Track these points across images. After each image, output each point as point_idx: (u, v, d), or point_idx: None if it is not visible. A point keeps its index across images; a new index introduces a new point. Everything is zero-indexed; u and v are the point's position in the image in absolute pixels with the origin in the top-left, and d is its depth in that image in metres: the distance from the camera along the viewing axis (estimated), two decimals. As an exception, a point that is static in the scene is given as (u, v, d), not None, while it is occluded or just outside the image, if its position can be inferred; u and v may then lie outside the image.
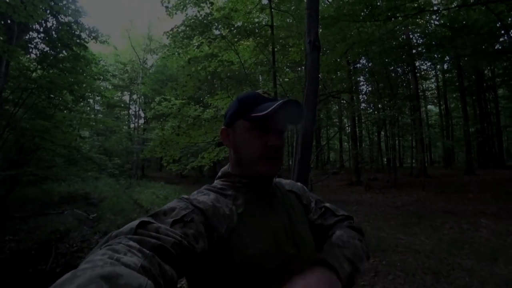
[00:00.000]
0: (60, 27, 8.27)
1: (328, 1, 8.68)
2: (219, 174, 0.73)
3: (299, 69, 15.02)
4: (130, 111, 27.71)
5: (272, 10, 7.07)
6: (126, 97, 28.05)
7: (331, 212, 0.78)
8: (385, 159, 19.42)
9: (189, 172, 20.78)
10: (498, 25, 11.80)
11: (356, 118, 15.22)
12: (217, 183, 0.70)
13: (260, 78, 12.38)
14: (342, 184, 13.38)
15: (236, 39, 6.67)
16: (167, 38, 6.77)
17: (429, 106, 24.08)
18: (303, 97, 3.93)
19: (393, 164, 14.29)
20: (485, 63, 15.68)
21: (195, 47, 6.44)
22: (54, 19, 8.19)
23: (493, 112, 19.00)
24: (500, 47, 13.99)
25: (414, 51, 14.39)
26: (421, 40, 14.95)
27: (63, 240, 5.43)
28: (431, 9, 10.01)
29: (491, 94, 18.99)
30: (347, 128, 17.58)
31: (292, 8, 8.75)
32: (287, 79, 9.23)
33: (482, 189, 8.98)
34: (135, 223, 0.45)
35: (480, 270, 3.39)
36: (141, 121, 26.73)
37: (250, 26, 7.17)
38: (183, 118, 7.14)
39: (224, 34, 6.37)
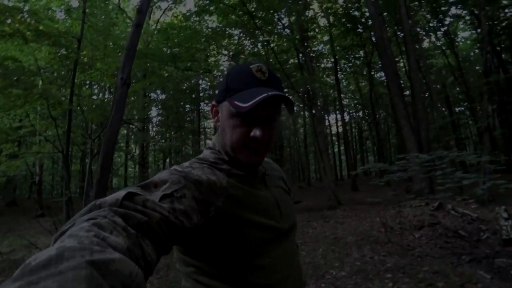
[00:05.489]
0: None
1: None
2: (210, 145, 0.72)
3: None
4: None
5: (84, 23, 6.61)
6: None
7: None
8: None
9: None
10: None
11: (144, 145, 15.78)
12: (209, 155, 0.67)
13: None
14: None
15: (31, 37, 5.49)
16: None
17: (208, 141, 29.38)
18: (109, 122, 4.45)
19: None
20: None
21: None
22: None
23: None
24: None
25: (201, 94, 17.68)
26: (207, 86, 18.63)
27: None
28: (218, 70, 13.78)
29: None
30: (134, 154, 17.56)
31: (101, 24, 8.68)
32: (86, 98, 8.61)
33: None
34: (121, 193, 0.43)
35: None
36: None
37: (53, 28, 6.20)
38: None
39: (17, 26, 5.10)
